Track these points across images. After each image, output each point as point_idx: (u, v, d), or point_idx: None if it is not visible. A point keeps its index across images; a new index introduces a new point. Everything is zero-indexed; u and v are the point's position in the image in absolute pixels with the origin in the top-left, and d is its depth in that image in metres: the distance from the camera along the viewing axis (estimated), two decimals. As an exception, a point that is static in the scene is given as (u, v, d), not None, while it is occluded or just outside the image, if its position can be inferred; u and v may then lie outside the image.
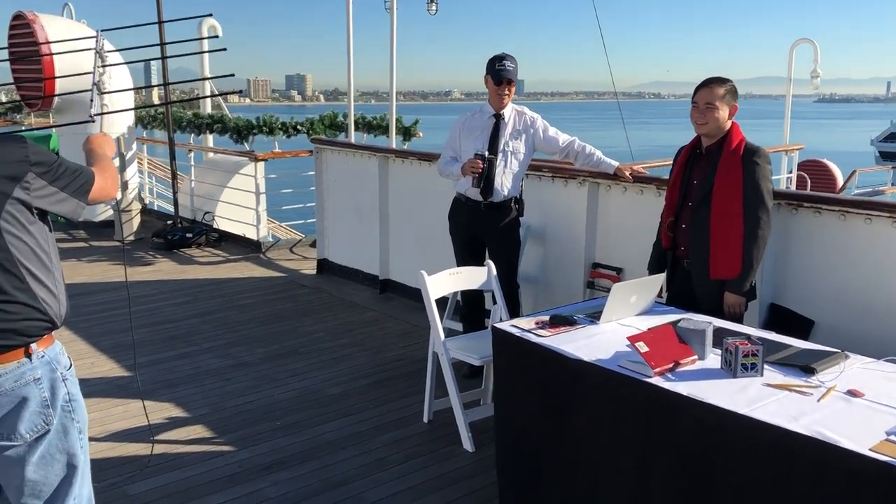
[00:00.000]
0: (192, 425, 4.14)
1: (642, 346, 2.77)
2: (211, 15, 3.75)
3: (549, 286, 5.12)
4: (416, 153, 6.21)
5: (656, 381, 2.69)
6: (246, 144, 9.45)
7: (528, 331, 3.21)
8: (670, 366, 2.77)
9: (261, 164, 8.12)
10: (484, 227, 4.66)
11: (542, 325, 3.26)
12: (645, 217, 4.66)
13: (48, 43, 7.84)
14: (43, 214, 2.18)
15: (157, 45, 6.42)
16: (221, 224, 8.86)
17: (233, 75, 3.70)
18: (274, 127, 8.89)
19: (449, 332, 5.35)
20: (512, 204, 4.66)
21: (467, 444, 3.87)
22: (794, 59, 9.62)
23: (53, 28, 8.50)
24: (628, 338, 2.81)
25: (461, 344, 4.04)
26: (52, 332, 2.24)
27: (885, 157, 48.00)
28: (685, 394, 2.58)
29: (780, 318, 3.95)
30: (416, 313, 6.10)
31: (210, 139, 9.94)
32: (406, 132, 8.51)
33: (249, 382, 4.73)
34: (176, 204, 8.83)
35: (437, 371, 4.12)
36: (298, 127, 8.95)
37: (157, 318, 6.04)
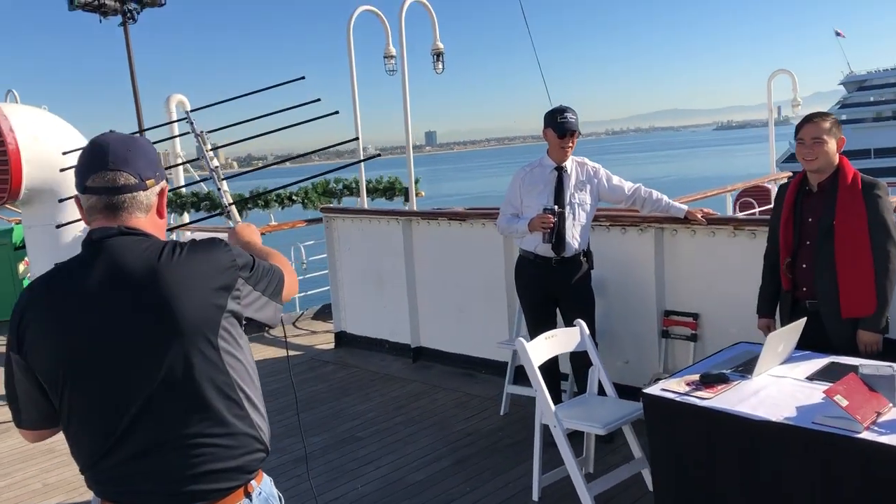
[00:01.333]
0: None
1: (842, 401, 2.58)
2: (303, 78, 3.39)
3: (619, 339, 4.92)
4: (445, 213, 5.99)
5: (867, 435, 2.51)
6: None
7: (686, 394, 3.00)
8: (874, 417, 2.60)
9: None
10: (557, 284, 4.46)
11: (696, 386, 3.05)
12: (718, 259, 4.55)
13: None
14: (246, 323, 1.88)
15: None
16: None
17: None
18: (269, 200, 8.53)
19: (513, 399, 5.11)
20: (582, 258, 4.48)
21: (595, 520, 3.59)
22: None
23: (15, 117, 8.00)
24: (825, 392, 2.62)
25: (575, 412, 3.78)
26: None
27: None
28: (911, 447, 2.40)
29: (893, 351, 3.84)
30: (461, 380, 5.81)
31: (186, 217, 9.47)
32: (407, 192, 8.29)
33: (323, 478, 4.33)
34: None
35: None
36: (294, 197, 8.61)
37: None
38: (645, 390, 3.11)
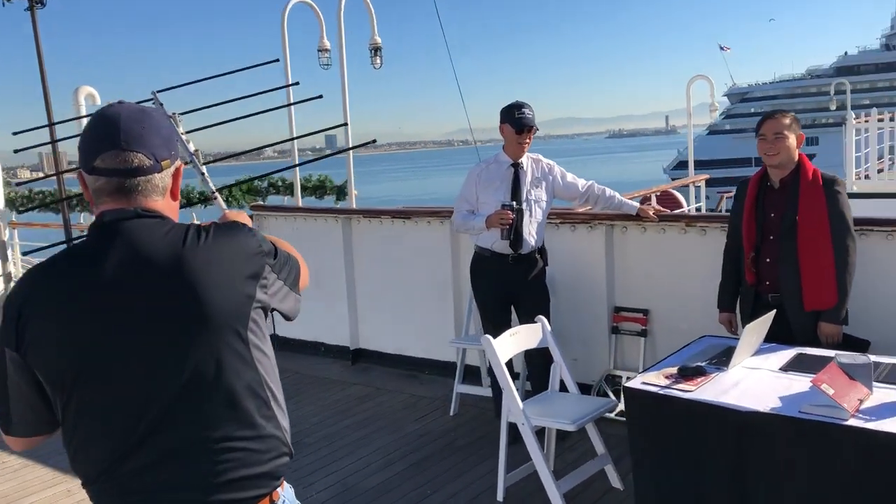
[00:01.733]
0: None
1: (828, 389, 2.64)
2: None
3: (569, 336, 4.93)
4: (388, 211, 5.85)
5: (854, 422, 2.57)
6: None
7: (668, 387, 3.00)
8: (857, 405, 2.66)
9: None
10: (513, 282, 4.42)
11: (675, 379, 3.06)
12: (669, 256, 4.62)
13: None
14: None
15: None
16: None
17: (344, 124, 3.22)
18: (192, 199, 8.09)
19: (462, 399, 5.03)
20: (537, 255, 4.46)
21: (566, 518, 3.56)
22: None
23: None
24: (812, 381, 2.67)
25: (542, 410, 3.74)
26: None
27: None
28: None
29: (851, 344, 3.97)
30: (405, 381, 5.70)
31: (82, 217, 8.92)
32: (340, 191, 8.07)
33: (275, 485, 4.13)
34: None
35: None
36: (217, 195, 8.16)
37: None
38: (626, 384, 3.10)
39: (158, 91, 2.70)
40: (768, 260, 3.58)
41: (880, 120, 13.59)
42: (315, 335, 6.45)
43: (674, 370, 3.13)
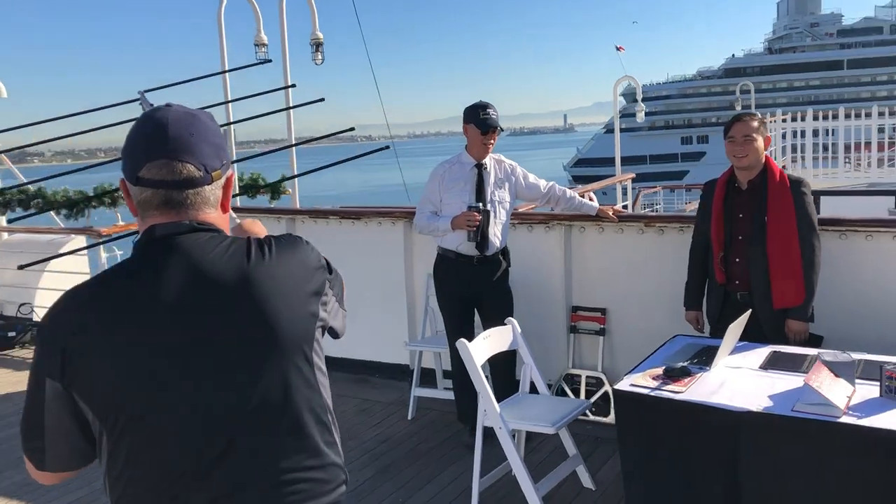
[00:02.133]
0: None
1: (820, 387, 2.72)
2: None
3: (528, 334, 4.90)
4: (337, 211, 5.71)
5: (847, 419, 2.66)
6: (79, 220, 8.06)
7: (658, 388, 3.04)
8: (847, 402, 2.76)
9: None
10: (478, 283, 4.38)
11: (663, 380, 3.10)
12: (627, 255, 4.69)
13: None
14: None
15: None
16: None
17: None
18: (117, 198, 7.66)
19: (419, 402, 4.96)
20: (500, 256, 4.44)
21: (546, 521, 3.55)
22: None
23: None
24: (805, 380, 2.75)
25: (519, 413, 3.72)
26: None
27: (577, 180, 54.23)
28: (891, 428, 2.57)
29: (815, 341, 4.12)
30: (356, 386, 5.58)
31: (3, 220, 8.30)
32: (273, 190, 7.79)
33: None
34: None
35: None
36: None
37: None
38: (616, 386, 3.11)
39: (145, 91, 2.52)
40: (738, 260, 3.68)
41: (784, 120, 14.38)
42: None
43: (659, 371, 3.17)
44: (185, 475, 1.40)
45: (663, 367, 3.17)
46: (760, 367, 3.20)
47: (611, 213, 4.59)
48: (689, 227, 4.35)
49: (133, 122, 1.52)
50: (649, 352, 4.54)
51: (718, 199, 3.73)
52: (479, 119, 4.27)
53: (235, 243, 1.47)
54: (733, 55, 76.40)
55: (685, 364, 3.21)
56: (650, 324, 4.52)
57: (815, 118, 13.78)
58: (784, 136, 13.95)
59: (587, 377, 4.80)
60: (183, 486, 1.40)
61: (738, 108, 26.90)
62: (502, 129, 4.35)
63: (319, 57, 6.89)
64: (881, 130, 13.79)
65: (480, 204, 4.23)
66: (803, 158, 14.03)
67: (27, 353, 6.94)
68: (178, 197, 1.45)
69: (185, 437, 1.40)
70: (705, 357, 3.29)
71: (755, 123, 3.64)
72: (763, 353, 3.37)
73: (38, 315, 7.46)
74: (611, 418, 4.52)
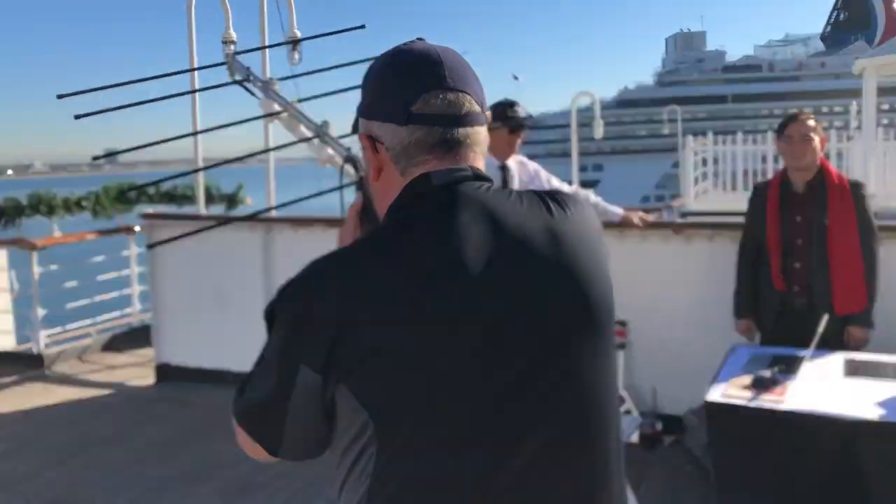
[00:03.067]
0: None
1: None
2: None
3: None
4: (322, 219, 5.26)
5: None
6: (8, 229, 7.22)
7: (754, 399, 2.80)
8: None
9: (33, 255, 6.21)
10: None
11: (756, 390, 2.86)
12: (649, 264, 4.48)
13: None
14: None
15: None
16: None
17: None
18: (55, 206, 6.88)
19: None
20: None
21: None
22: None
23: None
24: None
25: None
26: None
27: None
28: None
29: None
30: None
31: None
32: (230, 200, 7.22)
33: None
34: None
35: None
36: (83, 203, 6.99)
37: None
38: (708, 398, 2.85)
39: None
40: (797, 265, 3.50)
41: (704, 144, 14.79)
42: (220, 363, 5.65)
43: (746, 381, 2.94)
44: (484, 484, 1.08)
45: (752, 377, 2.94)
46: (846, 375, 3.01)
47: (636, 220, 4.37)
48: (719, 234, 4.19)
49: (376, 60, 1.18)
50: (674, 367, 4.36)
51: (773, 202, 3.56)
52: (507, 117, 3.98)
53: (527, 195, 1.16)
54: (626, 87, 79.53)
55: (774, 372, 2.99)
56: (673, 336, 4.32)
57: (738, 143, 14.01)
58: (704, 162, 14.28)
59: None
60: (483, 495, 1.08)
61: (680, 133, 27.44)
62: (530, 128, 4.07)
63: (297, 56, 6.42)
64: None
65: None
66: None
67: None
68: (459, 135, 1.14)
69: (485, 437, 1.07)
70: (785, 366, 3.08)
71: (812, 122, 3.50)
72: (837, 360, 3.19)
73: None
74: (634, 438, 4.27)
